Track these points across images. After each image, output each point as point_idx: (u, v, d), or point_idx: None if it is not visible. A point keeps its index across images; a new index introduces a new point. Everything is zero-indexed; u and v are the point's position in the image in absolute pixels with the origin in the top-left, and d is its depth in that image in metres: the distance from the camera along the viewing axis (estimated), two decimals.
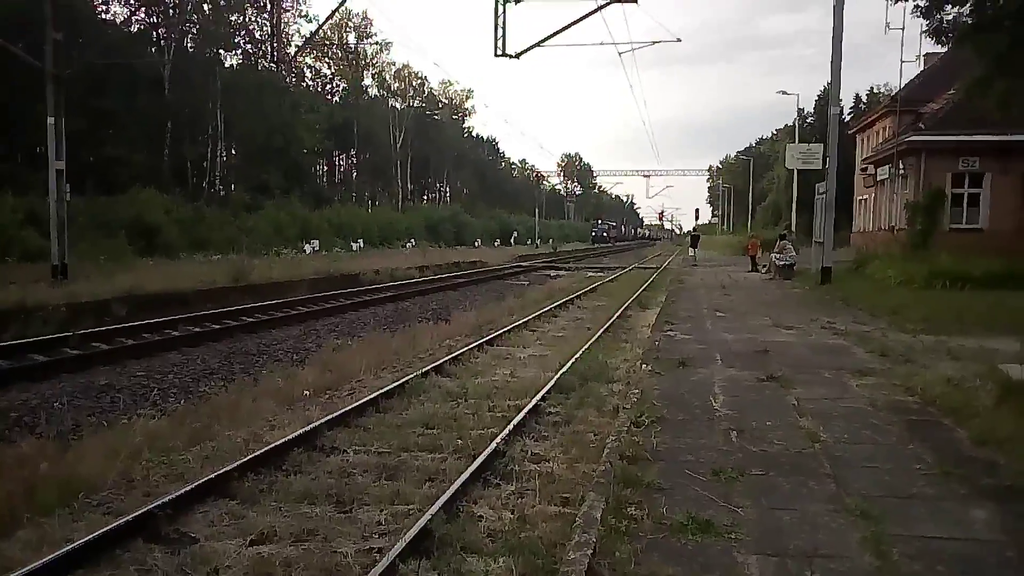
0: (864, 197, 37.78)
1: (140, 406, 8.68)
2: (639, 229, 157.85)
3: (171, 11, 47.08)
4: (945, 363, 9.15)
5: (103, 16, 44.69)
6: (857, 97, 66.88)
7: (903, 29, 27.24)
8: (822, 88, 59.01)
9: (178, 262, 28.88)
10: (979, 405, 6.83)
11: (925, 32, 19.39)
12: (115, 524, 4.82)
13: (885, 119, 35.30)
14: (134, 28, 46.99)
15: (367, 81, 76.47)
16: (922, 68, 35.15)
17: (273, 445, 6.47)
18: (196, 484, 5.53)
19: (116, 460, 6.14)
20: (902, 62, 43.65)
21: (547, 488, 5.54)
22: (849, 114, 57.89)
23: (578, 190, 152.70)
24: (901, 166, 28.68)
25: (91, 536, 4.63)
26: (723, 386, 8.06)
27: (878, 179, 33.31)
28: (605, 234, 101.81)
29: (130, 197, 35.47)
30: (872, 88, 68.37)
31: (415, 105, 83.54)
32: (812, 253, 24.75)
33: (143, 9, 46.96)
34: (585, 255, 56.07)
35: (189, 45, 49.21)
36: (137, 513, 4.97)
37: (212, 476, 5.69)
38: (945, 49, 24.71)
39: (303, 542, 4.83)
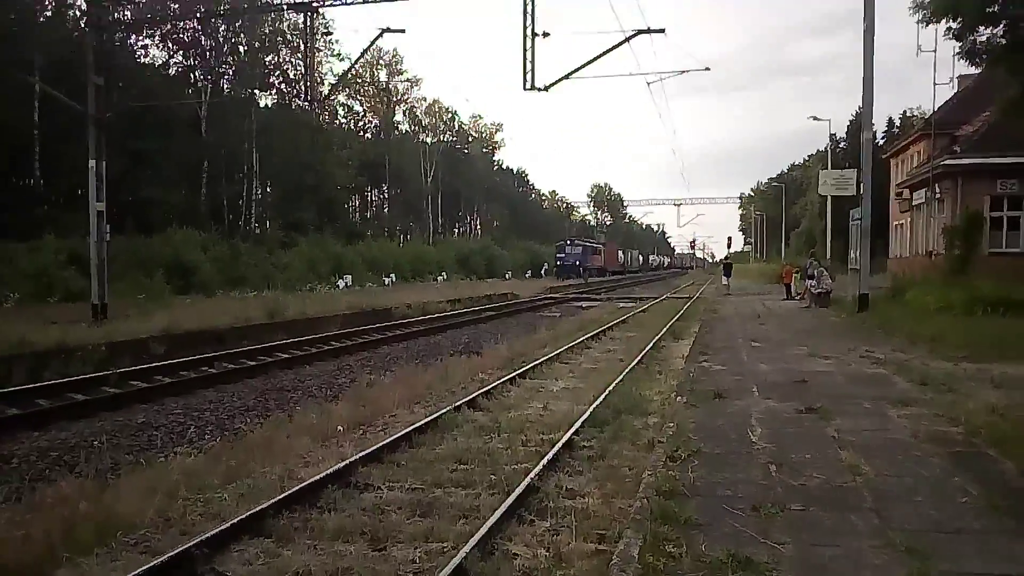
0: (900, 222, 37.28)
1: (177, 444, 8.79)
2: (655, 257, 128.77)
3: (208, 53, 48.27)
4: (988, 391, 8.92)
5: (142, 60, 45.99)
6: (890, 121, 66.51)
7: (935, 51, 26.92)
8: (854, 113, 58.55)
9: (215, 299, 29.29)
10: None
11: (958, 54, 19.26)
12: (152, 563, 4.84)
13: (919, 143, 34.90)
14: (172, 71, 48.28)
15: (398, 117, 77.64)
16: (956, 90, 34.76)
17: (308, 482, 6.48)
18: (232, 523, 5.55)
19: (153, 498, 6.20)
20: (935, 84, 43.02)
21: (583, 524, 5.48)
22: (882, 138, 57.44)
23: (609, 220, 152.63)
24: (937, 190, 28.27)
25: None
26: (760, 418, 7.92)
27: (914, 203, 32.86)
28: (578, 263, 66.77)
29: (167, 236, 36.18)
30: (905, 112, 67.97)
31: (445, 139, 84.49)
32: (848, 280, 24.40)
33: (180, 52, 48.30)
34: (616, 286, 55.89)
35: (225, 86, 50.36)
36: (174, 552, 5.00)
37: (247, 514, 5.71)
38: (979, 71, 24.46)
39: None
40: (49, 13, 39.18)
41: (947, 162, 26.77)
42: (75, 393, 11.37)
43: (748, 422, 7.74)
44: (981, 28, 17.48)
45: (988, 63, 18.59)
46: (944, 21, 17.81)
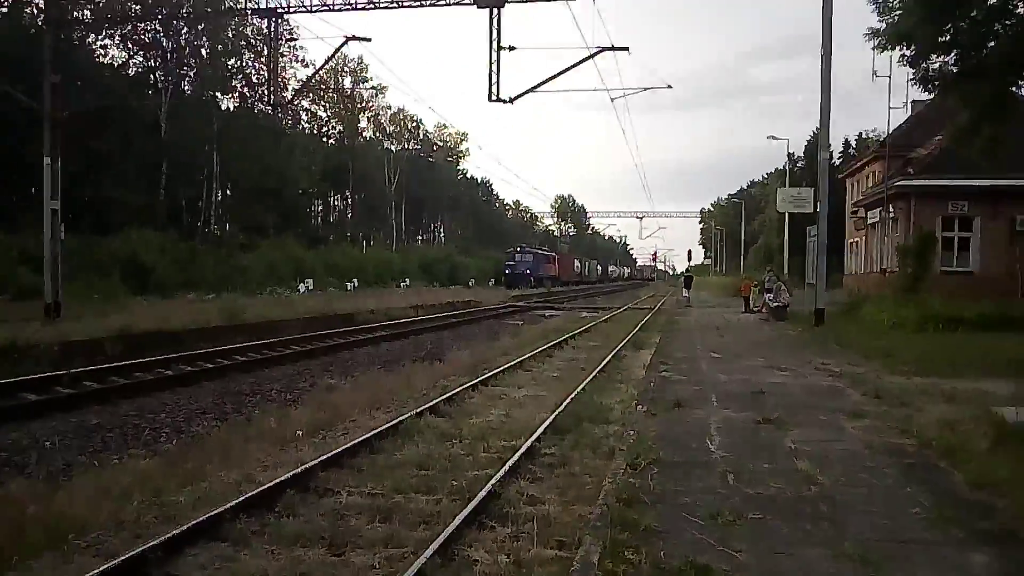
0: (855, 240, 38.09)
1: (132, 446, 8.64)
2: (614, 267, 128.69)
3: (169, 55, 47.55)
4: (939, 405, 9.13)
5: (101, 60, 45.13)
6: (846, 142, 67.83)
7: (890, 77, 27.80)
8: (812, 133, 59.59)
9: (172, 301, 28.81)
10: (974, 448, 6.82)
11: (912, 80, 19.75)
12: (105, 567, 4.73)
13: (874, 164, 35.75)
14: (132, 71, 47.46)
15: (363, 124, 77.24)
16: (910, 114, 35.68)
17: (266, 486, 6.39)
18: (187, 526, 5.45)
19: (107, 501, 6.09)
20: (890, 108, 43.97)
21: (543, 531, 5.48)
22: (839, 159, 58.56)
23: (572, 231, 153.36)
24: (891, 210, 28.98)
25: None
26: (719, 428, 8.03)
27: (869, 222, 33.63)
28: (528, 272, 62.87)
29: (124, 236, 35.52)
30: (861, 133, 69.23)
31: (410, 147, 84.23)
32: (804, 295, 24.85)
33: (141, 53, 47.53)
34: (578, 295, 56.16)
35: (186, 88, 49.64)
36: (127, 555, 4.90)
37: (203, 518, 5.62)
38: (932, 96, 25.14)
39: None
40: (5, 8, 38.35)
41: (901, 183, 27.48)
42: (27, 393, 11.10)
43: (707, 431, 7.84)
44: (933, 56, 17.87)
45: (940, 90, 19.04)
46: (898, 48, 18.19)
